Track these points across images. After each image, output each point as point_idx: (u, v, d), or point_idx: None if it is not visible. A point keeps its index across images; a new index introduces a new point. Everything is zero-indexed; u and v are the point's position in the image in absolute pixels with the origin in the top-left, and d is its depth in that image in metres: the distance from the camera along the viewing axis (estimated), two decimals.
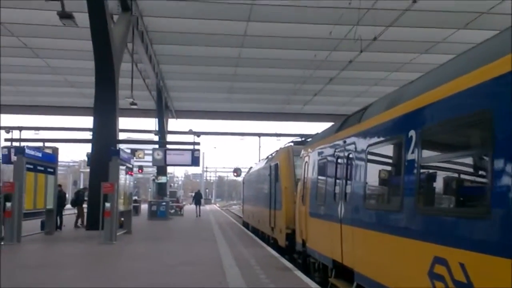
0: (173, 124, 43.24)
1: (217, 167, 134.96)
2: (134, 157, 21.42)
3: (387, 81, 30.45)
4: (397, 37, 23.15)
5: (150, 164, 25.69)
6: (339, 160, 8.81)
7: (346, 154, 8.37)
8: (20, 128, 28.99)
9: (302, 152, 12.32)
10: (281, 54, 26.30)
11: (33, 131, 33.18)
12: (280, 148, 16.54)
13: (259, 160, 30.89)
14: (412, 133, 5.62)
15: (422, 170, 5.40)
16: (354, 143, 7.94)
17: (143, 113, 40.57)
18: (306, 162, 11.50)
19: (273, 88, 33.72)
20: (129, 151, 22.80)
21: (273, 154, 17.53)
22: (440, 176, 5.35)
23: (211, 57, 27.13)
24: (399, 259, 5.91)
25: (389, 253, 6.22)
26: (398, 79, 27.62)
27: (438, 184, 5.38)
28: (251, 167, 28.18)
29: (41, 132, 33.08)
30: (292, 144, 16.02)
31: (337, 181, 8.88)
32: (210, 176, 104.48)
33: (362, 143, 7.58)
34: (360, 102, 34.39)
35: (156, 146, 23.81)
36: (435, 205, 5.30)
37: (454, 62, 5.30)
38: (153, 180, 38.80)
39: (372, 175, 7.30)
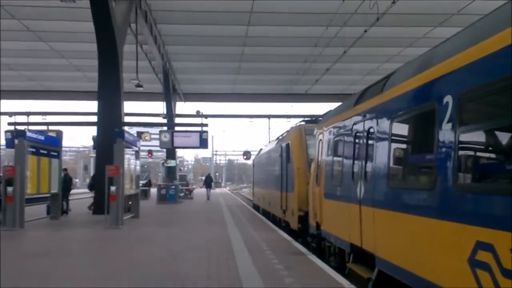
0: (181, 107, 42.63)
1: (227, 150, 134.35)
2: (141, 140, 20.75)
3: (399, 57, 29.27)
4: (410, 10, 22.08)
5: (160, 148, 25.04)
6: (358, 136, 8.02)
7: (366, 128, 7.58)
8: (28, 114, 28.49)
9: (316, 130, 11.52)
10: (289, 31, 25.35)
11: (40, 116, 32.67)
12: (291, 127, 15.75)
13: (269, 142, 30.19)
14: (448, 98, 4.81)
15: (461, 141, 4.60)
16: (375, 116, 7.14)
17: (150, 96, 39.91)
18: (320, 140, 10.72)
19: (281, 68, 32.79)
20: (135, 134, 22.13)
21: (284, 134, 16.75)
22: (485, 148, 4.56)
23: (217, 36, 26.24)
24: (431, 243, 5.16)
25: (419, 237, 5.47)
26: (411, 55, 26.44)
27: (482, 157, 4.59)
28: (261, 149, 27.42)
29: (48, 117, 32.58)
30: (303, 123, 15.22)
31: (356, 159, 8.10)
32: (220, 160, 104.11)
33: (385, 115, 6.78)
34: (371, 80, 33.22)
35: (164, 128, 23.13)
36: (480, 182, 4.51)
37: (504, 9, 4.42)
38: (163, 164, 38.27)
39: (397, 150, 6.51)
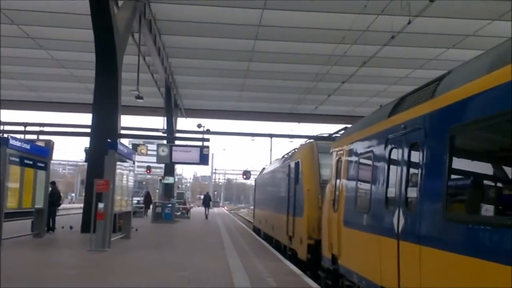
0: (182, 123, 41.10)
1: (226, 169, 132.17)
2: (136, 153, 19.09)
3: (408, 79, 27.88)
4: (426, 29, 20.70)
5: (157, 163, 23.28)
6: (394, 153, 6.39)
7: (407, 143, 5.95)
8: (25, 124, 26.94)
9: (332, 147, 9.89)
10: (298, 47, 23.92)
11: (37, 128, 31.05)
12: (302, 144, 14.10)
13: (270, 162, 28.49)
14: None
15: None
16: (423, 127, 5.53)
17: (151, 111, 38.40)
18: (339, 159, 9.08)
19: (287, 86, 31.34)
20: (131, 146, 20.45)
21: (293, 152, 15.08)
22: None
23: (223, 50, 24.81)
24: None
25: None
26: (420, 77, 25.04)
27: None
28: (264, 168, 25.69)
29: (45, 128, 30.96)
30: (312, 140, 13.57)
31: (391, 180, 6.46)
32: (218, 179, 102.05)
33: (439, 125, 5.17)
34: (377, 102, 31.89)
35: (163, 142, 21.47)
36: None
37: None
38: (160, 180, 36.51)
39: (461, 169, 4.88)
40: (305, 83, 29.97)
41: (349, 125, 12.59)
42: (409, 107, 6.19)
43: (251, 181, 78.88)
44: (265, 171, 22.18)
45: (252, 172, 49.76)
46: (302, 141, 18.61)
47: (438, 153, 5.09)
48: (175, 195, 38.12)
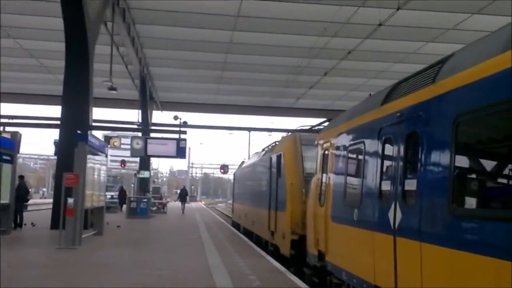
0: (158, 116, 40.16)
1: (203, 163, 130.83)
2: (108, 145, 18.29)
3: (387, 73, 27.66)
4: (407, 22, 20.44)
5: (134, 158, 22.32)
6: (389, 143, 5.94)
7: (404, 132, 5.51)
8: None
9: (318, 139, 9.42)
10: (277, 39, 23.37)
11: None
12: (284, 137, 13.60)
13: (249, 156, 27.94)
14: None
15: None
16: (422, 114, 5.08)
17: (126, 103, 37.36)
18: (326, 151, 8.61)
19: (266, 79, 30.79)
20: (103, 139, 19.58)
21: (274, 144, 14.56)
22: None
23: (200, 41, 24.06)
24: None
25: None
26: (399, 71, 24.86)
27: None
28: (243, 161, 25.10)
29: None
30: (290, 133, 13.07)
31: (386, 173, 6.02)
32: (196, 173, 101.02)
33: (443, 112, 4.73)
34: (356, 96, 31.72)
35: (137, 134, 20.67)
36: None
37: None
38: (135, 174, 35.56)
39: (469, 159, 4.46)
40: (284, 76, 29.50)
41: (326, 119, 12.21)
42: (405, 94, 5.74)
43: (229, 175, 78.36)
44: (244, 165, 21.62)
45: (230, 166, 49.16)
46: (281, 135, 18.17)
47: (442, 142, 4.65)
48: (151, 189, 37.25)
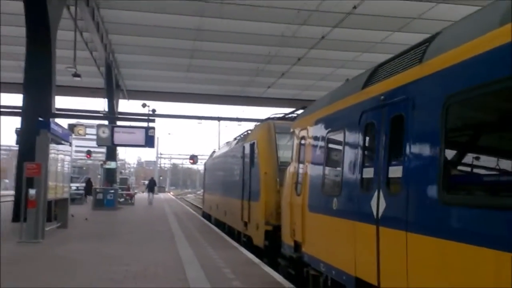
0: (124, 105, 39.11)
1: (172, 153, 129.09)
2: (73, 134, 17.51)
3: (354, 63, 27.65)
4: (373, 11, 20.39)
5: (101, 148, 21.40)
6: (371, 129, 5.67)
7: (388, 116, 5.25)
8: None
9: (294, 126, 9.12)
10: (247, 26, 22.94)
11: None
12: (257, 125, 13.25)
13: (219, 146, 27.51)
14: None
15: None
16: (408, 96, 4.82)
17: (91, 92, 36.19)
18: (302, 138, 8.31)
19: (235, 67, 30.31)
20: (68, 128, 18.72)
21: (247, 132, 14.19)
22: None
23: (167, 27, 23.33)
24: None
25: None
26: (366, 61, 24.90)
27: None
28: (214, 151, 24.63)
29: None
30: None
31: (368, 159, 5.76)
32: (164, 164, 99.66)
33: (431, 94, 4.47)
34: (324, 86, 31.69)
35: (104, 122, 19.87)
36: None
37: None
38: (101, 165, 34.56)
39: (461, 142, 4.23)
40: (254, 65, 29.10)
41: (301, 107, 11.93)
42: (389, 76, 5.47)
43: (198, 166, 77.34)
44: (215, 154, 21.17)
45: (199, 157, 48.59)
46: (252, 124, 17.80)
47: (430, 125, 4.40)
48: (118, 180, 36.34)
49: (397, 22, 21.53)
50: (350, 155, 6.22)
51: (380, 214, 5.23)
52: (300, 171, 8.24)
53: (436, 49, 4.58)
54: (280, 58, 26.91)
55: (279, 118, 12.15)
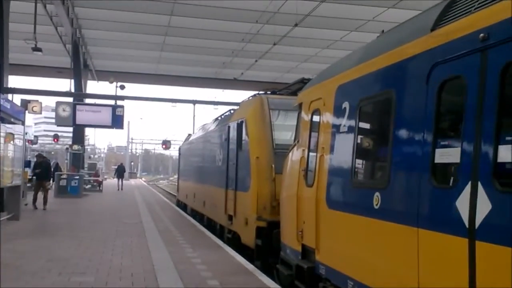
0: (93, 86, 36.05)
1: (144, 138, 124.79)
2: (27, 111, 14.86)
3: (341, 43, 25.69)
4: (331, 13, 20.33)
5: (56, 125, 18.54)
6: (456, 84, 3.61)
7: (495, 64, 3.17)
8: None
9: (301, 98, 6.95)
10: (226, 2, 20.56)
11: None
12: (245, 100, 10.97)
13: (193, 132, 25.04)
14: None
15: None
16: None
17: (57, 72, 32.94)
18: (316, 113, 6.17)
19: (212, 47, 27.70)
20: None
21: (233, 111, 11.88)
22: None
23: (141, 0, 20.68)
24: None
25: None
26: (356, 41, 23.05)
27: None
28: (189, 134, 22.15)
29: None
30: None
31: (447, 134, 3.71)
32: (136, 149, 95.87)
33: None
34: (308, 68, 29.71)
35: (64, 100, 17.14)
36: None
37: None
38: (67, 149, 31.61)
39: None
40: (232, 44, 26.67)
41: (301, 78, 9.77)
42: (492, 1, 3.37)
43: (170, 151, 74.46)
44: (192, 138, 18.73)
45: (172, 142, 45.95)
46: (229, 108, 15.32)
47: None
48: (86, 166, 33.43)
49: (354, 23, 21.28)
50: (407, 128, 4.12)
51: (477, 221, 3.17)
52: (313, 154, 6.11)
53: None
54: (261, 37, 24.61)
55: (272, 92, 9.95)
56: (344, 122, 5.27)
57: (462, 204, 3.33)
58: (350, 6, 20.87)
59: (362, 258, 4.72)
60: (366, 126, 5.00)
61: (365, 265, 4.67)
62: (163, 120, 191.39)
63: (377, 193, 4.42)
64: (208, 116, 47.62)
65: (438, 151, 3.67)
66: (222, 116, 12.90)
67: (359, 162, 4.95)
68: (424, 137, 3.82)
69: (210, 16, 22.43)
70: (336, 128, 5.47)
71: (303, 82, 9.05)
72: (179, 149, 23.30)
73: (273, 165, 8.42)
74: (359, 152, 4.95)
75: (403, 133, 4.16)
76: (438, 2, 4.68)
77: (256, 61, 28.15)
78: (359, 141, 4.96)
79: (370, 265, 4.57)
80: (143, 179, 70.62)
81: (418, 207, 3.81)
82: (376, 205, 4.42)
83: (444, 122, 3.75)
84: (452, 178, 3.51)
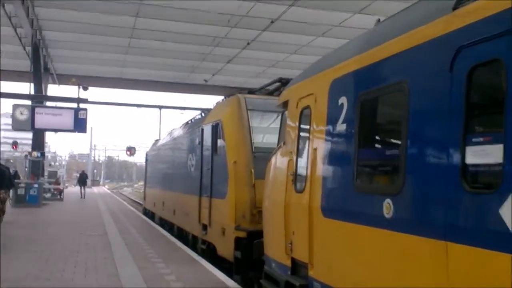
0: (54, 91, 34.20)
1: (107, 145, 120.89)
2: None
3: (308, 48, 25.34)
4: (299, 18, 20.04)
5: (12, 129, 17.05)
6: (492, 70, 3.01)
7: None
8: None
9: (286, 95, 6.28)
10: (194, 4, 19.76)
11: None
12: (220, 101, 10.20)
13: (159, 137, 23.99)
14: None
15: None
16: None
17: (16, 75, 31.10)
18: (306, 109, 5.50)
19: (179, 50, 26.76)
20: None
21: (205, 113, 11.07)
22: None
23: (103, 0, 19.60)
24: None
25: None
26: (323, 46, 22.76)
27: None
28: (157, 140, 21.10)
29: None
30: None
31: (479, 129, 3.11)
32: (99, 156, 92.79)
33: None
34: (275, 73, 29.25)
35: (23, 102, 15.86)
36: None
37: None
38: (26, 156, 29.80)
39: None
40: (200, 48, 25.88)
41: (278, 78, 9.14)
42: None
43: (134, 159, 72.46)
44: (160, 143, 17.73)
45: (137, 148, 44.46)
46: (196, 113, 14.46)
47: None
48: (46, 174, 31.63)
49: (320, 28, 21.18)
50: (425, 124, 3.50)
51: None
52: (303, 157, 5.44)
53: None
54: (230, 41, 23.95)
55: (249, 92, 9.24)
56: (342, 119, 4.62)
57: (507, 212, 2.72)
58: (317, 11, 20.56)
59: (366, 274, 4.06)
60: (370, 123, 4.37)
61: (368, 281, 4.01)
62: (127, 126, 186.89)
63: (388, 200, 3.78)
64: (174, 121, 46.41)
65: (469, 150, 3.06)
66: (194, 119, 12.07)
67: (362, 164, 4.29)
68: (450, 133, 3.20)
69: (177, 18, 21.58)
70: (332, 126, 4.81)
71: (281, 82, 8.45)
72: (146, 155, 22.20)
73: (252, 170, 7.70)
74: (362, 152, 4.30)
75: (420, 129, 3.54)
76: (408, 5, 4.23)
77: (225, 64, 27.51)
78: (361, 140, 4.31)
79: (375, 280, 3.91)
80: (106, 186, 68.22)
81: (445, 216, 3.19)
82: (387, 213, 3.78)
83: (476, 115, 3.15)
84: (491, 181, 2.91)
